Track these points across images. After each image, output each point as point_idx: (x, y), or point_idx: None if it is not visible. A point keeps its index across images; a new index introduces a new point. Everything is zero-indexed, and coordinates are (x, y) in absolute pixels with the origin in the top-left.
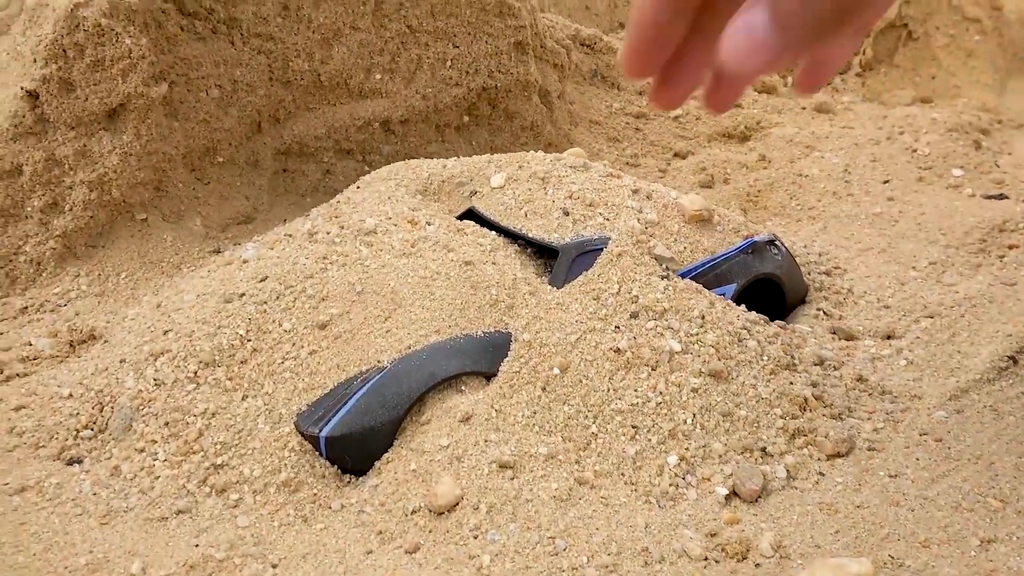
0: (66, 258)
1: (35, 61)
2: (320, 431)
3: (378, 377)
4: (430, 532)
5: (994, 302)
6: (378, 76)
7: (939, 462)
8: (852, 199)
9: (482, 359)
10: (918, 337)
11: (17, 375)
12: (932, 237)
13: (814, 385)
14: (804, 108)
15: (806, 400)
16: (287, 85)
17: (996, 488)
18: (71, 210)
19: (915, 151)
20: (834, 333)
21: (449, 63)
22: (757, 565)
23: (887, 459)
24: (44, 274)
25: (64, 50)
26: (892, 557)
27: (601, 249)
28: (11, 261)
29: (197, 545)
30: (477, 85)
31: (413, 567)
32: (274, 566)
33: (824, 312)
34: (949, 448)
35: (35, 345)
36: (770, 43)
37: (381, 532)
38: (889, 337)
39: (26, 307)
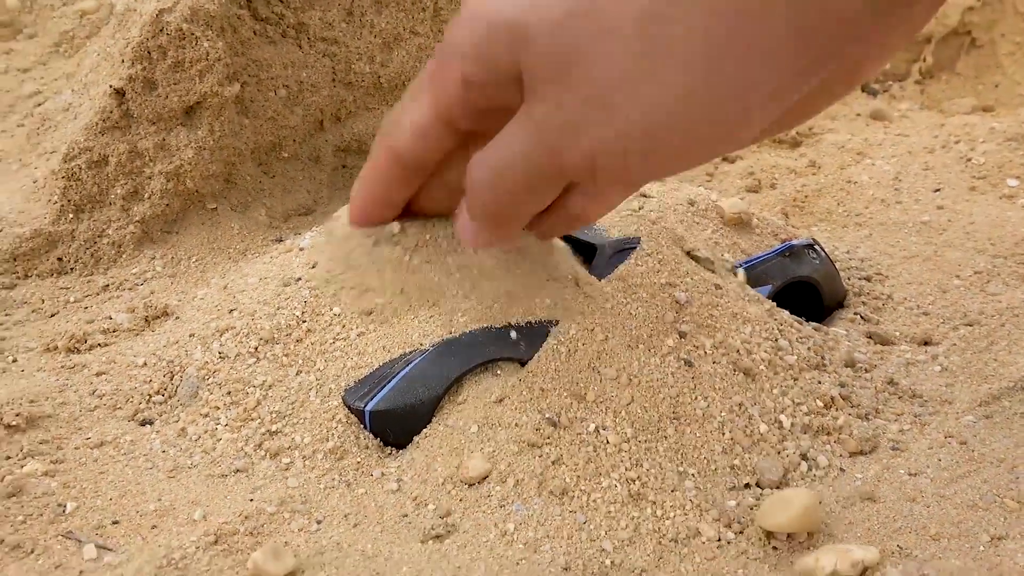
0: (143, 242)
1: (123, 61)
2: (365, 405)
3: (420, 359)
4: (460, 500)
5: None
6: None
7: (961, 463)
8: (901, 207)
9: (520, 345)
10: (955, 344)
11: (99, 344)
12: (980, 247)
13: (842, 385)
14: (859, 115)
15: (833, 399)
16: (348, 86)
17: (1015, 490)
18: (149, 198)
19: (970, 160)
20: (870, 337)
21: None
22: (775, 548)
23: (909, 459)
24: (124, 256)
25: (149, 52)
26: (900, 547)
27: (634, 248)
28: (95, 243)
29: (252, 500)
30: None
31: (443, 528)
32: (319, 522)
33: (862, 317)
34: (973, 451)
35: (114, 319)
36: (478, 230)
37: (416, 498)
38: (926, 343)
39: (107, 285)
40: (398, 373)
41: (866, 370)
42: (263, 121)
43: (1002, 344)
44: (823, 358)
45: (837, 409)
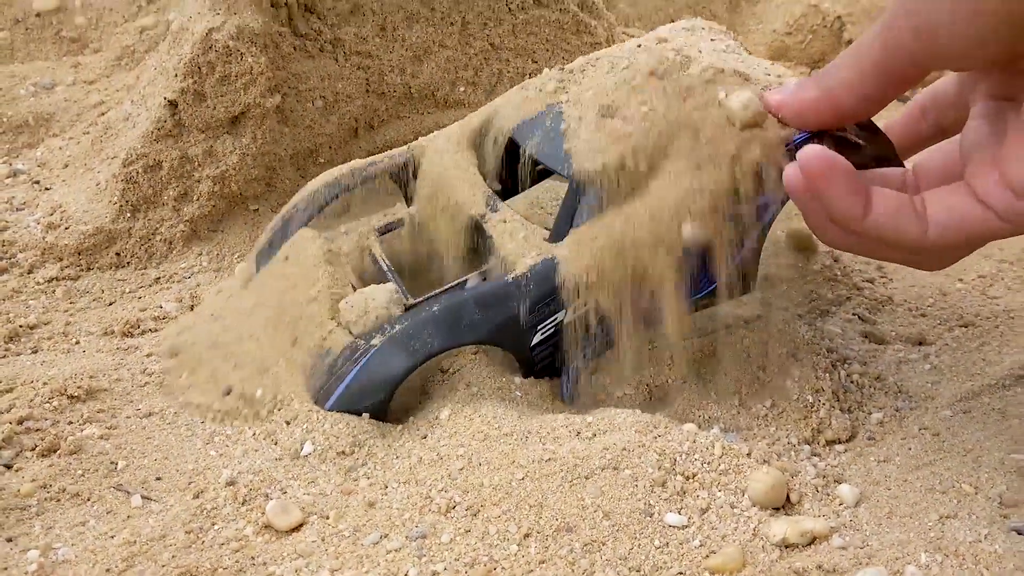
0: (192, 239)
1: (176, 76)
2: (326, 406)
3: (369, 357)
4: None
5: None
6: (462, 88)
7: (929, 452)
8: None
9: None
10: (947, 344)
11: (150, 330)
12: (988, 251)
13: (829, 380)
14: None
15: (819, 391)
16: (381, 96)
17: (974, 476)
18: (198, 200)
19: None
20: (866, 336)
21: (527, 76)
22: (748, 518)
23: (882, 448)
24: (174, 252)
25: (199, 67)
26: (852, 522)
27: None
28: (150, 240)
29: (270, 463)
30: None
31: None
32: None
33: (860, 317)
34: (944, 442)
35: (164, 308)
36: None
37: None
38: (920, 343)
39: (159, 277)
40: (349, 373)
41: (856, 366)
42: (301, 129)
43: (993, 345)
44: (815, 354)
45: (821, 401)
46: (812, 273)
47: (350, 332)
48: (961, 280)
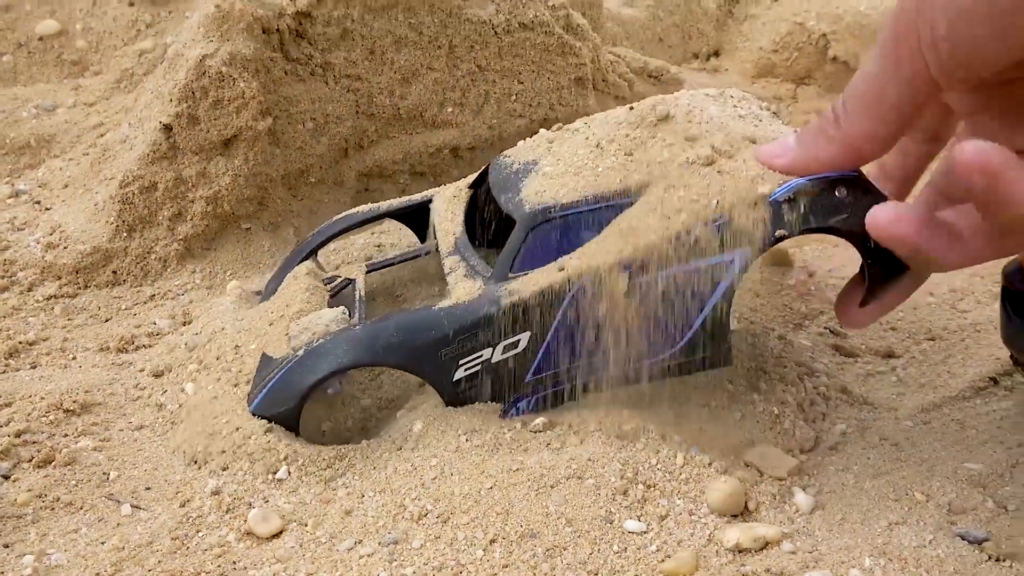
0: (185, 257)
1: (171, 100)
2: (251, 404)
3: (288, 366)
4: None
5: (999, 329)
6: (450, 109)
7: (887, 462)
8: None
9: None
10: (914, 357)
11: (144, 346)
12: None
13: (795, 392)
14: None
15: (784, 403)
16: (371, 117)
17: (927, 485)
18: (191, 219)
19: None
20: (836, 349)
21: (514, 97)
22: (705, 525)
23: (843, 457)
24: (168, 269)
25: (193, 92)
26: (805, 527)
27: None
28: (145, 258)
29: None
30: (539, 116)
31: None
32: (304, 502)
33: (831, 331)
34: (902, 451)
35: (157, 324)
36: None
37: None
38: (888, 356)
39: (154, 295)
40: (273, 379)
41: (823, 378)
42: (292, 150)
43: (958, 358)
44: (784, 367)
45: (786, 413)
46: (787, 287)
47: (290, 345)
48: (932, 294)
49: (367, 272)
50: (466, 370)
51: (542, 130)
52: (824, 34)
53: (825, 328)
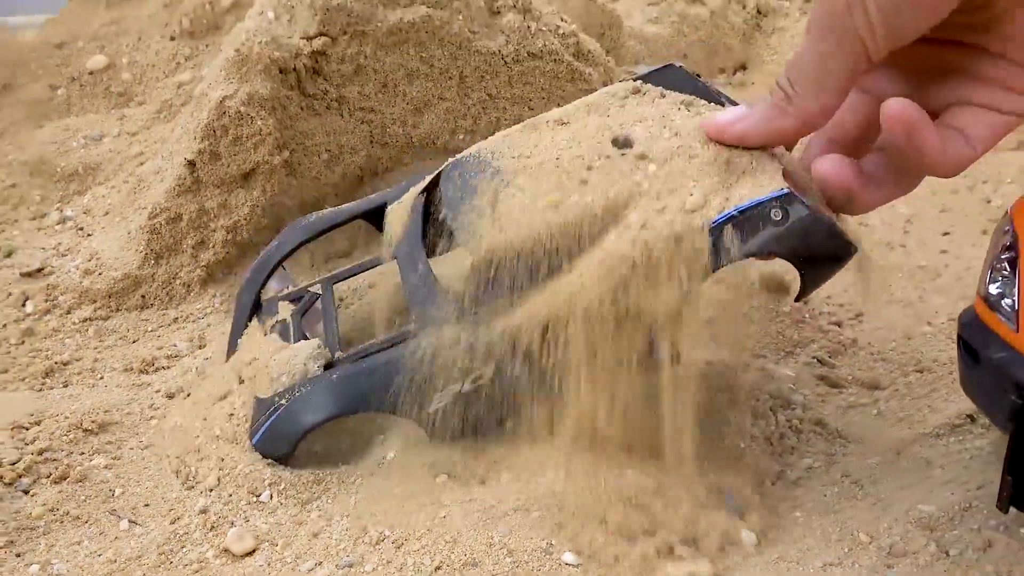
0: (207, 283)
1: (195, 138)
2: (252, 438)
3: (276, 416)
4: None
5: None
6: (461, 136)
7: (842, 500)
8: (904, 250)
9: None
10: (898, 390)
11: (163, 367)
12: (967, 293)
13: (764, 425)
14: None
15: (752, 437)
16: (384, 146)
17: (874, 526)
18: (213, 247)
19: (990, 202)
20: (821, 379)
21: None
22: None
23: (802, 492)
24: (192, 294)
25: (214, 130)
26: (737, 563)
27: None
28: (171, 284)
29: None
30: None
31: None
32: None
33: (819, 360)
34: (861, 489)
35: (177, 346)
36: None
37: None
38: (874, 388)
39: (177, 318)
40: (267, 422)
41: (799, 410)
42: (308, 180)
43: (943, 392)
44: (757, 400)
45: (752, 447)
46: (782, 315)
47: (273, 389)
48: (930, 323)
49: (333, 283)
50: (439, 401)
51: (498, 134)
52: None
53: (813, 357)
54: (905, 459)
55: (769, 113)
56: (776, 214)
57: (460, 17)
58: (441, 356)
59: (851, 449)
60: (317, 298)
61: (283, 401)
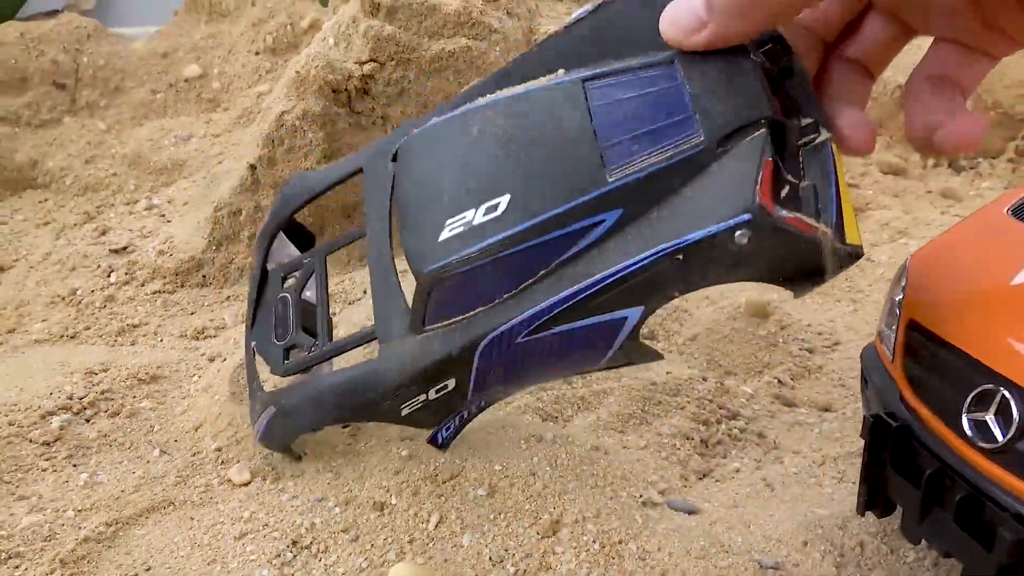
0: None
1: (257, 146)
2: (256, 437)
3: (269, 420)
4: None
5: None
6: None
7: (748, 498)
8: None
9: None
10: (845, 413)
11: (211, 336)
12: None
13: (706, 429)
14: (930, 191)
15: (689, 439)
16: None
17: (768, 521)
18: None
19: None
20: (776, 398)
21: None
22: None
23: (716, 490)
24: (243, 277)
25: (272, 140)
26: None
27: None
28: (227, 267)
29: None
30: None
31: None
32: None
33: (779, 381)
34: (772, 491)
35: (225, 320)
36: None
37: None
38: (825, 410)
39: (229, 296)
40: (262, 423)
41: (742, 421)
42: (348, 185)
43: None
44: (703, 409)
45: (686, 447)
46: (758, 337)
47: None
48: None
49: (326, 255)
50: (410, 408)
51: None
52: (900, 85)
53: (774, 377)
54: (826, 472)
55: (729, 7)
56: (742, 238)
57: (498, 48)
58: (400, 378)
59: (780, 459)
60: (311, 275)
61: (269, 409)
